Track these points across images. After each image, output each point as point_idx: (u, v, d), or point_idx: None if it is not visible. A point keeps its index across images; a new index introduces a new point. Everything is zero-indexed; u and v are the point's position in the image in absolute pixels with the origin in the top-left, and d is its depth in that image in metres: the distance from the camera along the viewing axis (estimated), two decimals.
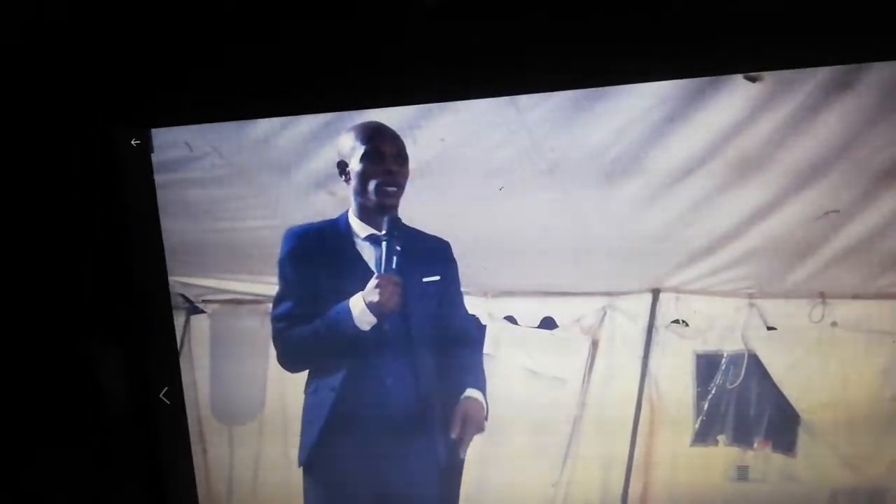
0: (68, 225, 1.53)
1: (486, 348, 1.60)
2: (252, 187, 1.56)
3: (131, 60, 1.44)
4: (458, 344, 1.56)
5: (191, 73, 1.43)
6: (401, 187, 1.48)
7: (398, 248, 1.48)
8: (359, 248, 1.52)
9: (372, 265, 1.50)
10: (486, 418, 1.56)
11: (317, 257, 1.52)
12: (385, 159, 1.47)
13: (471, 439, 1.55)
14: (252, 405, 1.68)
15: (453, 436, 1.54)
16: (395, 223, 1.48)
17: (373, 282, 1.48)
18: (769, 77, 1.32)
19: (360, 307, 1.48)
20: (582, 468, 1.60)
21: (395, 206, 1.49)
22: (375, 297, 1.47)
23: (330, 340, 1.50)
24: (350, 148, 1.47)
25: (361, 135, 1.47)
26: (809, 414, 1.50)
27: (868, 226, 1.38)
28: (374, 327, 1.49)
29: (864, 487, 1.46)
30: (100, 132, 1.49)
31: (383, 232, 1.48)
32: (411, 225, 1.50)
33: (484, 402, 1.56)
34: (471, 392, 1.55)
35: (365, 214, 1.51)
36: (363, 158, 1.47)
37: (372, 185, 1.47)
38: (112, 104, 1.47)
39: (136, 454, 1.61)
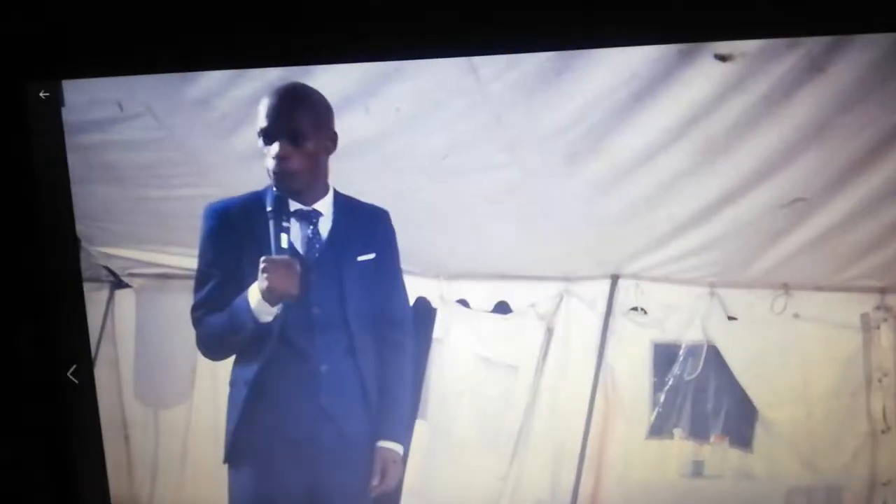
0: None
1: (436, 332, 1.57)
2: (186, 152, 1.46)
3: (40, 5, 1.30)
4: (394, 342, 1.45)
5: (106, 20, 1.30)
6: (294, 173, 1.34)
7: (285, 224, 1.35)
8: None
9: (298, 244, 1.39)
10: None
11: (236, 236, 1.39)
12: (275, 141, 1.33)
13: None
14: (180, 388, 1.61)
15: (374, 483, 1.43)
16: (282, 200, 1.35)
17: (260, 266, 1.35)
18: (740, 57, 1.27)
19: (256, 297, 1.36)
20: (532, 461, 1.58)
21: (298, 189, 1.36)
22: (265, 284, 1.35)
23: (237, 333, 1.38)
24: (260, 117, 1.35)
25: (265, 104, 1.34)
26: (768, 408, 1.50)
27: (835, 216, 1.36)
28: (300, 311, 1.38)
29: (821, 485, 1.46)
30: (4, 83, 1.35)
31: (269, 209, 1.36)
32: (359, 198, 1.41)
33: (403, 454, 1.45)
34: (391, 444, 1.44)
35: None
36: (258, 135, 1.34)
37: (269, 165, 1.35)
38: (18, 53, 1.33)
39: (41, 436, 1.48)
